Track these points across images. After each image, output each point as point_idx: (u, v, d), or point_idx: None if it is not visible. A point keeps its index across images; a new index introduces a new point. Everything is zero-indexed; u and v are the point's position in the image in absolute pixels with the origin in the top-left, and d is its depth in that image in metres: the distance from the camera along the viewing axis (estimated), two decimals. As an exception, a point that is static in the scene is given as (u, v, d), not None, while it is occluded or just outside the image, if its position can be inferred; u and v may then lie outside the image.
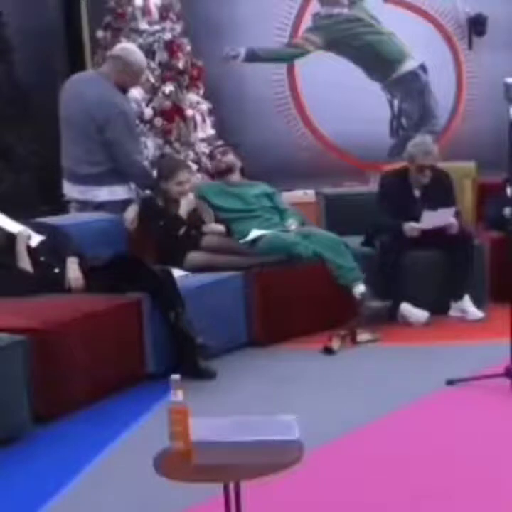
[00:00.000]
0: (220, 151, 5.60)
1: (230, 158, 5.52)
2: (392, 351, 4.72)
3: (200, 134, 6.62)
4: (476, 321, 5.20)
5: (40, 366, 3.75)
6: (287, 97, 7.76)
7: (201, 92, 6.71)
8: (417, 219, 5.26)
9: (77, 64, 7.16)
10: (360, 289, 5.10)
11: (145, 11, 6.45)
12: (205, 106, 6.69)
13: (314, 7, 7.71)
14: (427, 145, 5.43)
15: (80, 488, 3.14)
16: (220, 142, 6.46)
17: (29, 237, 4.52)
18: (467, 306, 5.28)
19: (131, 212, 5.19)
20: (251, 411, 3.56)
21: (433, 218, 5.24)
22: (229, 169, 5.50)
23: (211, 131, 6.70)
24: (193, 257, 4.99)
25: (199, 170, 6.42)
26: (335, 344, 4.73)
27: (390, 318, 5.20)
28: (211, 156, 5.57)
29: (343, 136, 7.70)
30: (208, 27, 7.40)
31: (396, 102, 7.82)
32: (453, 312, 5.32)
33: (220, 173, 5.50)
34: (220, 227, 5.24)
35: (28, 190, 6.58)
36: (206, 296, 4.62)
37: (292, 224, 5.38)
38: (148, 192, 5.38)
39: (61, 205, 5.78)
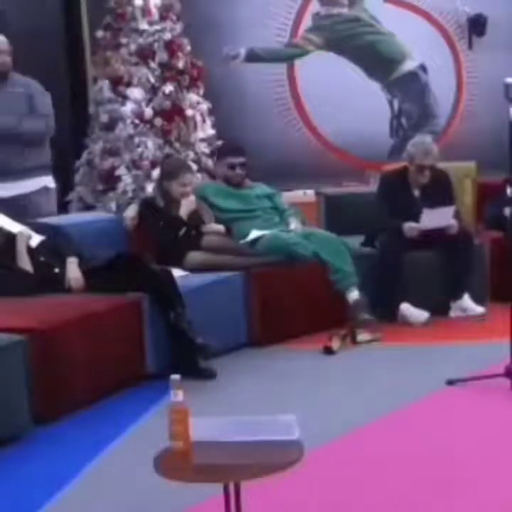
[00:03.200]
0: (240, 164, 5.43)
1: (246, 169, 5.48)
2: (392, 351, 4.72)
3: (200, 134, 6.62)
4: (477, 317, 5.20)
5: (40, 366, 3.75)
6: (287, 97, 7.76)
7: (201, 92, 6.71)
8: (416, 219, 5.26)
9: (77, 64, 7.17)
10: (354, 295, 5.10)
11: (145, 11, 6.45)
12: (205, 106, 6.69)
13: (314, 7, 7.71)
14: (426, 145, 5.44)
15: (80, 488, 3.15)
16: (219, 142, 6.47)
17: (29, 237, 4.52)
18: (467, 304, 5.28)
19: (131, 211, 5.21)
20: (251, 411, 3.56)
21: (433, 217, 5.24)
22: (244, 180, 5.49)
23: (211, 131, 6.70)
24: (193, 257, 4.99)
25: (199, 170, 6.42)
26: (335, 344, 4.73)
27: (391, 319, 5.21)
28: (231, 167, 5.45)
29: (343, 136, 7.70)
30: (208, 27, 7.40)
31: (396, 102, 7.82)
32: (453, 313, 5.32)
33: (234, 184, 5.46)
34: (220, 227, 5.24)
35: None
36: (206, 296, 4.62)
37: (293, 223, 5.37)
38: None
39: (61, 205, 5.79)
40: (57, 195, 5.75)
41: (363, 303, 5.09)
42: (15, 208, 5.08)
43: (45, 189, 5.50)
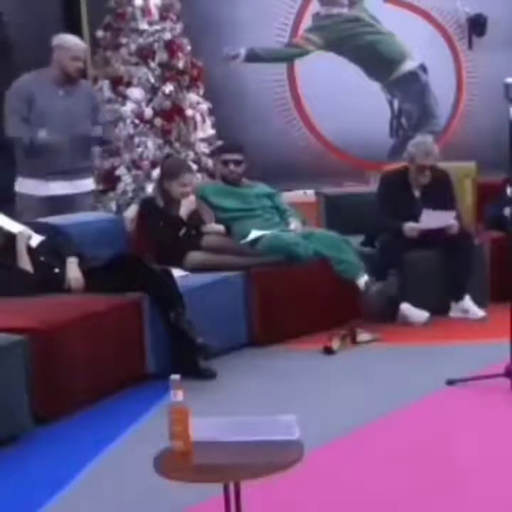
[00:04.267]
0: (234, 161, 5.46)
1: (243, 167, 5.47)
2: (392, 351, 4.72)
3: (200, 134, 6.62)
4: (478, 320, 5.20)
5: (40, 366, 3.75)
6: (287, 97, 7.76)
7: (201, 92, 6.71)
8: (416, 219, 5.26)
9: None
10: (364, 278, 5.09)
11: (145, 11, 6.46)
12: (205, 106, 6.69)
13: (314, 7, 7.71)
14: (427, 145, 5.43)
15: (80, 488, 3.15)
16: (220, 142, 6.46)
17: (29, 237, 4.52)
18: (469, 306, 5.28)
19: (131, 212, 5.21)
20: (251, 411, 3.56)
21: (433, 217, 5.24)
22: (240, 178, 5.49)
23: (211, 131, 6.71)
24: (193, 257, 4.99)
25: (199, 170, 6.42)
26: (335, 344, 4.73)
27: (391, 319, 5.22)
28: (224, 163, 5.45)
29: (343, 136, 7.70)
30: (208, 27, 7.40)
31: (396, 102, 7.83)
32: (453, 313, 5.32)
33: (231, 182, 5.45)
34: (220, 227, 5.24)
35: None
36: (206, 296, 4.62)
37: (293, 223, 5.36)
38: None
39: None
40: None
41: (374, 284, 5.07)
42: (60, 207, 5.18)
43: (91, 191, 5.59)
